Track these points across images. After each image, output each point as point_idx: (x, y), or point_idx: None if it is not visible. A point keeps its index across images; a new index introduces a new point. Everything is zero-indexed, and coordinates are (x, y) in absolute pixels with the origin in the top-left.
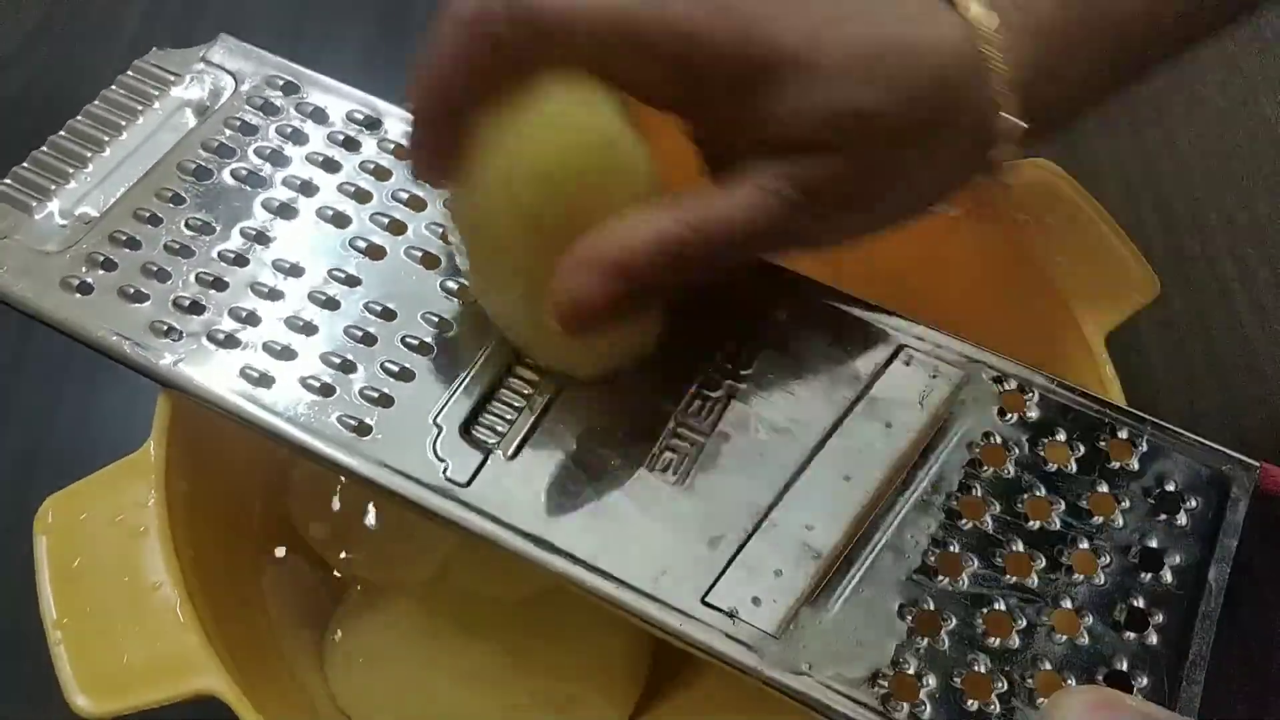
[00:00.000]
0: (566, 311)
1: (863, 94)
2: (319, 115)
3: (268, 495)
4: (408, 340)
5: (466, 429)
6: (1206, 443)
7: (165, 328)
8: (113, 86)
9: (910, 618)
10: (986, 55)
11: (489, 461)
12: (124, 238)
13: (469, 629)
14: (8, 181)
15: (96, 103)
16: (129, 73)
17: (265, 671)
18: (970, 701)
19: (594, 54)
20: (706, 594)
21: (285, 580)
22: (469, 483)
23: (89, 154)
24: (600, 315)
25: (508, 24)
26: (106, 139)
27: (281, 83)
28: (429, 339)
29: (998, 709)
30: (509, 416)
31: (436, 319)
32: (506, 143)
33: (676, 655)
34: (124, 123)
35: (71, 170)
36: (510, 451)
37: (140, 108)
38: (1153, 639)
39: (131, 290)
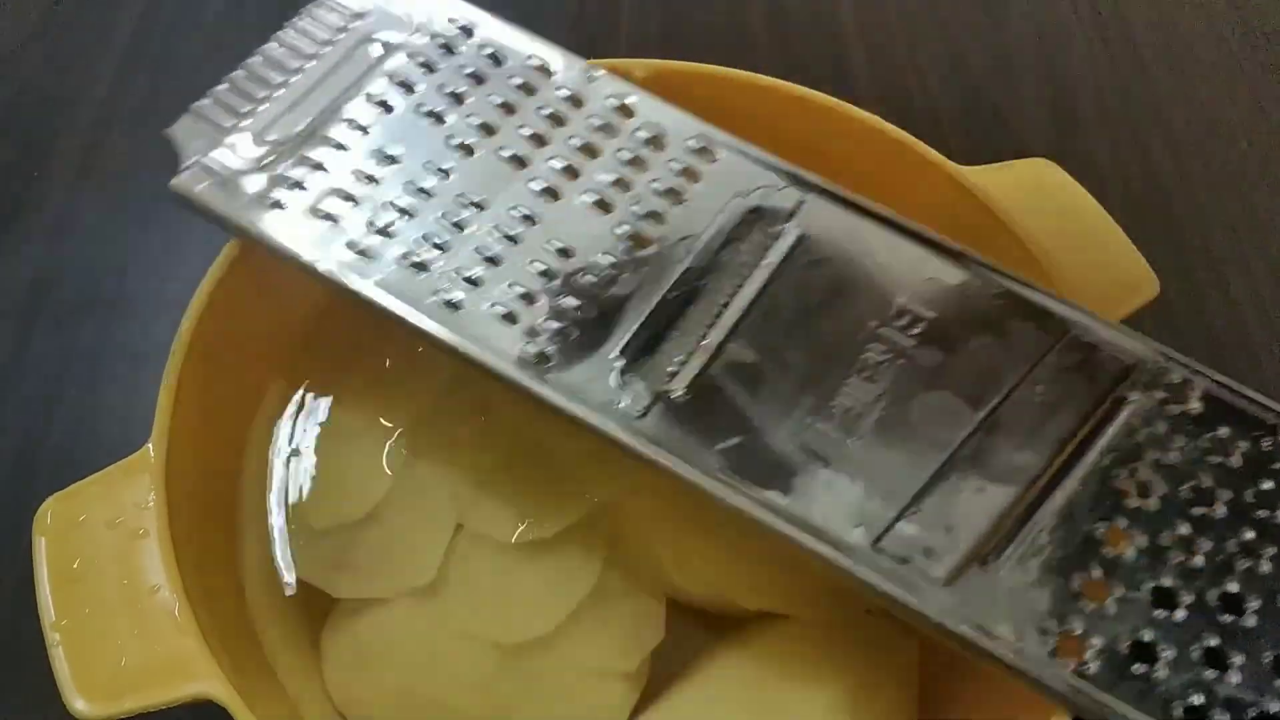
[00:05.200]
0: None
1: None
2: (497, 58)
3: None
4: (586, 278)
5: (641, 365)
6: None
7: (358, 249)
8: (301, 16)
9: (1077, 583)
10: None
11: (662, 398)
12: (313, 162)
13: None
14: (206, 102)
15: (288, 30)
16: (319, 2)
17: (263, 675)
18: (1136, 665)
19: None
20: (878, 540)
21: (283, 581)
22: (642, 415)
23: (279, 80)
24: None
25: None
26: (296, 66)
27: (462, 23)
28: (605, 277)
29: (1164, 674)
30: (684, 356)
31: (611, 260)
32: None
33: (675, 654)
34: (312, 52)
35: (263, 95)
36: (683, 389)
37: (327, 38)
38: None
39: (322, 211)
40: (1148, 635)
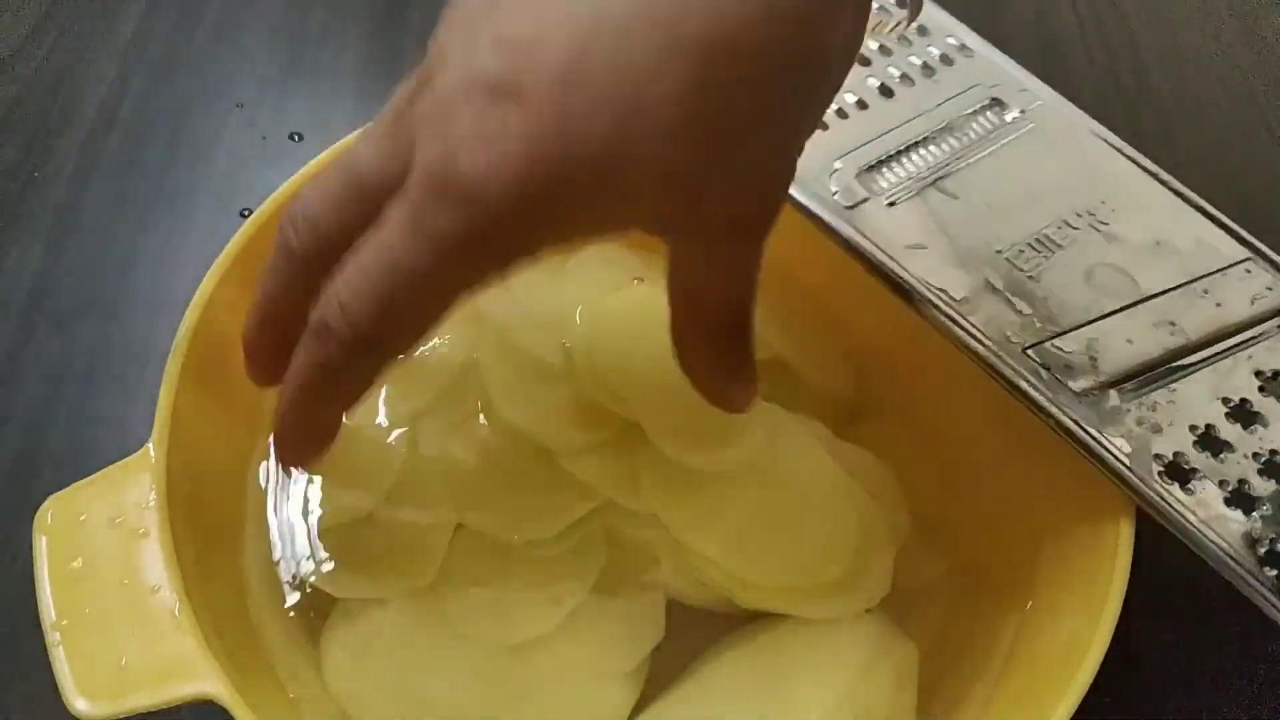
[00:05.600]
0: None
1: None
2: (947, 59)
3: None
4: (830, 107)
5: (859, 175)
6: None
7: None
8: None
9: (1198, 435)
10: None
11: (869, 202)
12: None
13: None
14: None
15: None
16: None
17: (263, 674)
18: (1234, 509)
19: None
20: (1028, 348)
21: (283, 581)
22: (850, 208)
23: None
24: None
25: None
26: None
27: (917, 25)
28: (847, 111)
29: (1258, 524)
30: (898, 180)
31: (856, 99)
32: None
33: (675, 654)
34: None
35: None
36: (888, 201)
37: None
38: None
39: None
40: (1249, 490)
